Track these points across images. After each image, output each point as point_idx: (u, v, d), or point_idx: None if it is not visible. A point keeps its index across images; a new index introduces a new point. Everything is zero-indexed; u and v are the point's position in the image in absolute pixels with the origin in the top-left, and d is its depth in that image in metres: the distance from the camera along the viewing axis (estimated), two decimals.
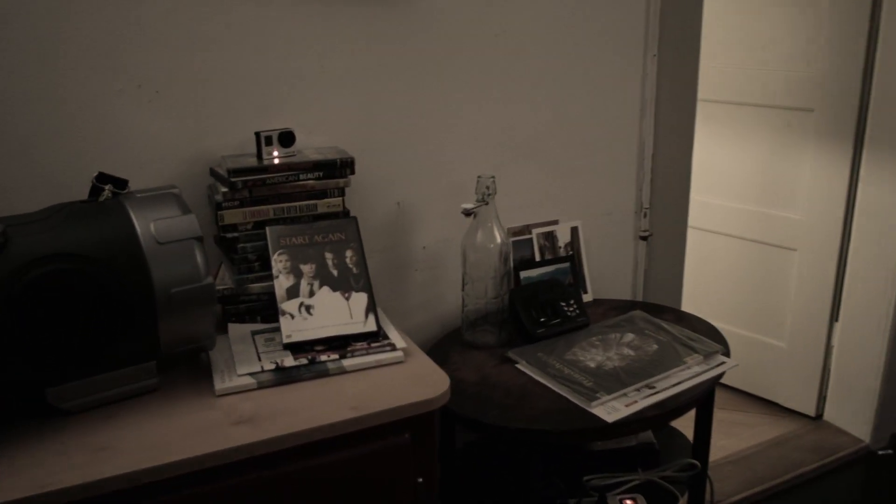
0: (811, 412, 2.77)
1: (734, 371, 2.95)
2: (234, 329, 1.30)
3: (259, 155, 1.38)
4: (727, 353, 1.57)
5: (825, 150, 2.56)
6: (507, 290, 1.62)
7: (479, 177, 1.54)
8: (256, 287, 1.33)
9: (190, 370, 1.21)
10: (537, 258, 1.81)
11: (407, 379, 1.17)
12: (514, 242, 1.78)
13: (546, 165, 1.79)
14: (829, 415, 2.74)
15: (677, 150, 1.95)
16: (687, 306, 3.03)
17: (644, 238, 1.95)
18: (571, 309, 1.67)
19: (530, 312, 1.63)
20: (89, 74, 1.32)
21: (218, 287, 1.32)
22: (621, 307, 1.81)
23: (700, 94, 2.84)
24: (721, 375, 1.49)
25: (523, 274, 1.77)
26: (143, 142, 1.38)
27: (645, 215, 1.94)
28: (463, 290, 1.61)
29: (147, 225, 1.10)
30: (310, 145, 1.52)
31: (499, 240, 1.56)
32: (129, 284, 1.06)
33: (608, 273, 1.96)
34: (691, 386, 1.43)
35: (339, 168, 1.35)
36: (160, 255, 1.09)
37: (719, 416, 2.82)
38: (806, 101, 2.58)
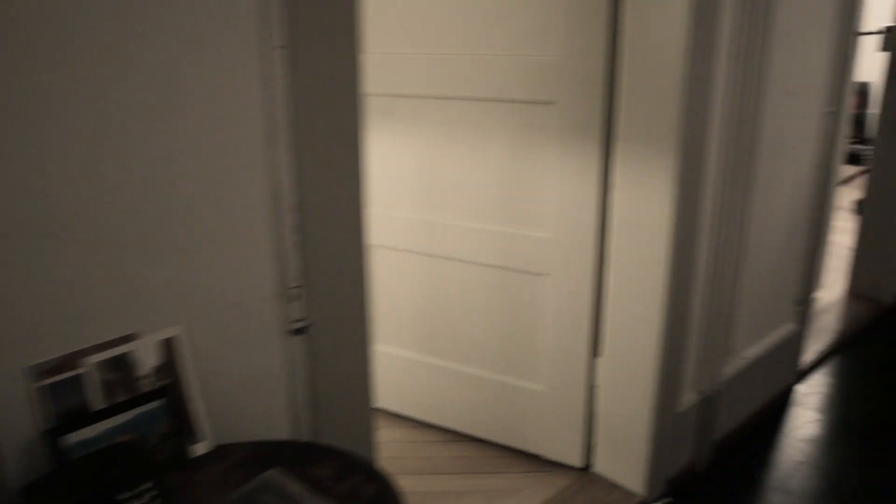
0: (578, 463, 2.30)
1: (491, 423, 2.41)
2: None
3: None
4: None
5: (572, 152, 2.03)
6: None
7: None
8: None
9: None
10: (99, 406, 1.08)
11: None
12: (51, 387, 1.05)
13: (87, 245, 1.06)
14: (599, 465, 2.28)
15: (339, 188, 1.29)
16: (420, 348, 2.45)
17: (300, 331, 1.29)
18: (140, 501, 0.97)
19: None
20: None
21: None
22: (260, 458, 1.14)
23: (408, 90, 2.22)
24: None
25: (73, 438, 1.04)
26: None
27: (298, 297, 1.27)
28: None
29: None
30: None
31: None
32: None
33: (242, 399, 1.27)
34: None
35: None
36: None
37: (476, 483, 2.27)
38: (547, 93, 2.03)
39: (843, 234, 3.94)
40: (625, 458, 2.20)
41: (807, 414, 2.71)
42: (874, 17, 3.69)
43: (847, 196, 4.58)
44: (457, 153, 2.21)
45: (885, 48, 3.27)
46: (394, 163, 2.32)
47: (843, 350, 3.16)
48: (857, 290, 3.58)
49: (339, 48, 1.22)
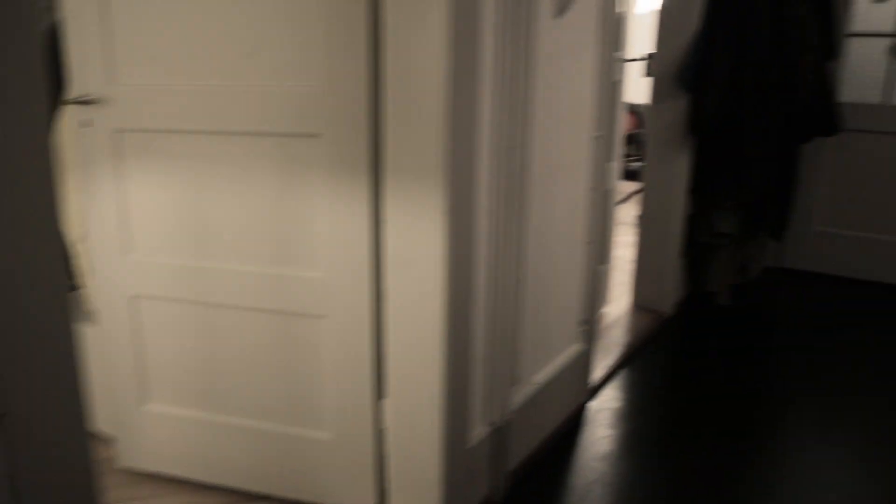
0: None
1: (278, 478, 2.23)
2: None
3: None
4: None
5: (342, 186, 1.93)
6: None
7: None
8: None
9: None
10: None
11: None
12: None
13: None
14: None
15: (31, 248, 1.09)
16: (197, 404, 2.25)
17: None
18: None
19: None
20: None
21: None
22: None
23: (166, 124, 2.04)
24: None
25: None
26: None
27: None
28: None
29: None
30: None
31: None
32: None
33: None
34: None
35: None
36: None
37: None
38: (311, 125, 1.92)
39: (626, 248, 4.12)
40: (419, 501, 2.11)
41: (599, 431, 2.76)
42: (638, 44, 3.93)
43: (629, 211, 4.83)
44: (223, 192, 2.05)
45: (648, 74, 3.47)
46: (155, 205, 2.12)
47: (630, 363, 3.28)
48: (641, 302, 3.75)
49: (16, 85, 1.03)
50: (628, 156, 5.56)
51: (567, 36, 2.25)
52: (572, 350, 2.72)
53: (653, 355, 3.38)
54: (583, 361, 2.81)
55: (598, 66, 2.47)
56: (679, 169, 3.52)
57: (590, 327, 2.78)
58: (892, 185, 4.02)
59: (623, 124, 4.01)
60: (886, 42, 3.94)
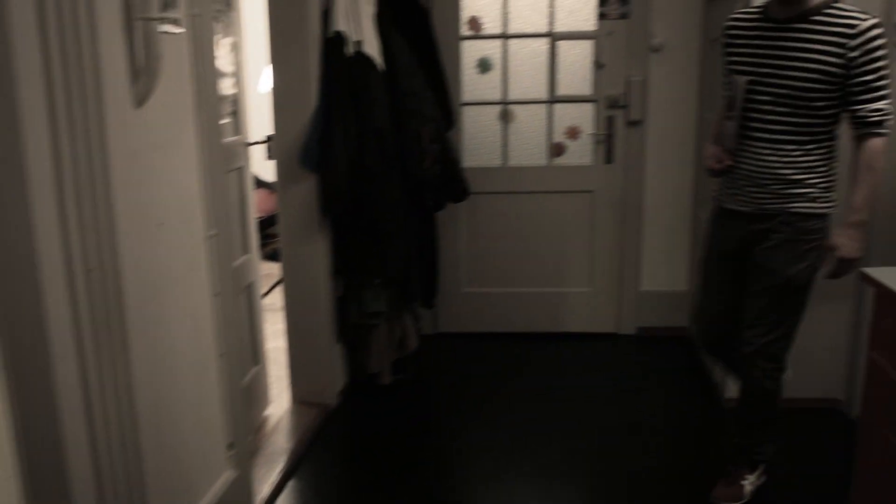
0: None
1: None
2: None
3: None
4: None
5: None
6: None
7: None
8: None
9: None
10: None
11: None
12: None
13: None
14: None
15: None
16: None
17: None
18: None
19: None
20: None
21: None
22: None
23: None
24: None
25: None
26: None
27: None
28: None
29: None
30: None
31: None
32: None
33: None
34: None
35: None
36: None
37: None
38: None
39: (284, 337, 3.82)
40: None
41: None
42: (259, 126, 3.71)
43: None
44: None
45: (269, 157, 3.27)
46: None
47: (298, 470, 2.98)
48: (302, 397, 3.48)
49: None
50: (275, 236, 5.32)
51: (157, 127, 1.94)
52: (224, 480, 2.35)
53: (322, 455, 3.11)
54: (239, 489, 2.44)
55: (204, 155, 2.18)
56: (320, 250, 3.33)
57: (240, 449, 2.43)
58: (515, 240, 4.25)
59: (261, 208, 3.75)
60: (497, 109, 4.19)
